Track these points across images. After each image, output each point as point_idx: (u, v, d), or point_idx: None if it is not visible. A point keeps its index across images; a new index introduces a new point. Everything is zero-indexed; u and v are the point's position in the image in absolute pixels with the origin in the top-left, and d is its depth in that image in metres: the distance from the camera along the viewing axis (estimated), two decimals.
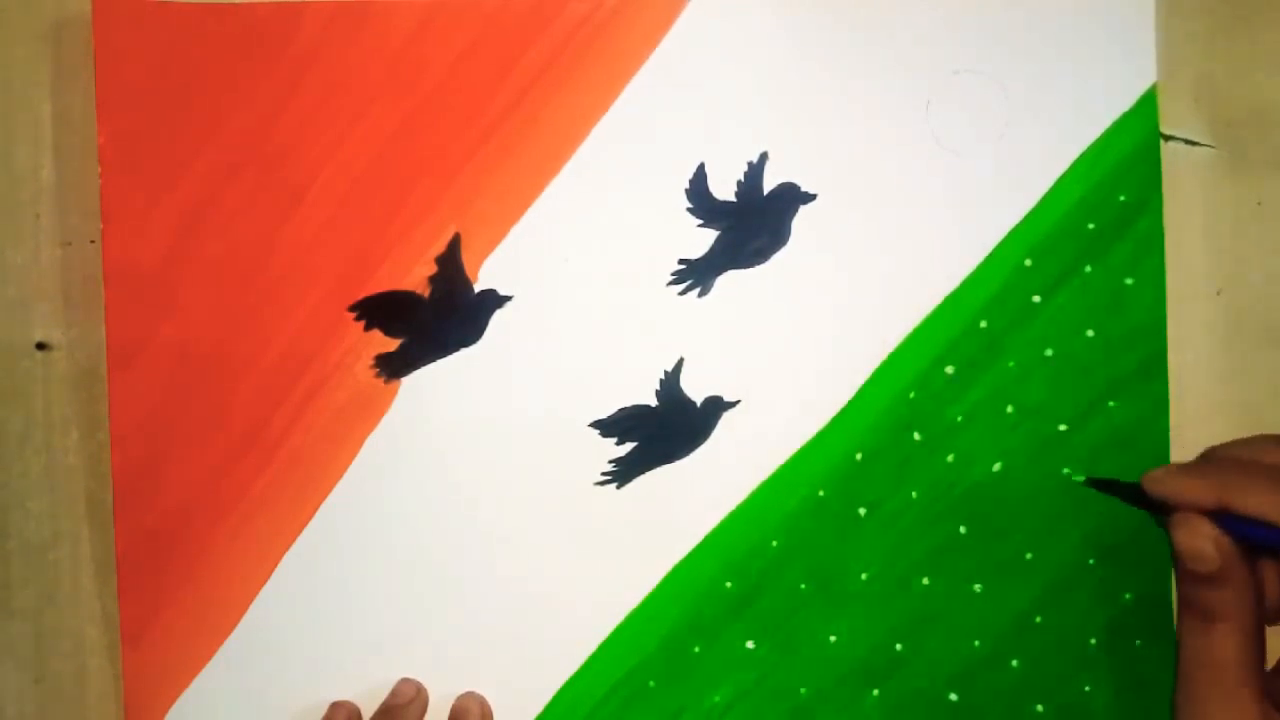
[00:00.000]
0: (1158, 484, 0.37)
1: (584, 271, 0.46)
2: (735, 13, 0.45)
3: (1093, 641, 0.45)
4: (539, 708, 0.46)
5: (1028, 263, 0.45)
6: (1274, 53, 0.46)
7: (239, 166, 0.45)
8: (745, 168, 0.46)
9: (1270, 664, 0.36)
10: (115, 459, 0.45)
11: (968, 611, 0.45)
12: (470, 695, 0.45)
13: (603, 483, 0.46)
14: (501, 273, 0.45)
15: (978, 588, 0.45)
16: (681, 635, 0.46)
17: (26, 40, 0.46)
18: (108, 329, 0.45)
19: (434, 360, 0.45)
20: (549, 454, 0.45)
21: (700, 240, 0.46)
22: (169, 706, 0.45)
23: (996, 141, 0.46)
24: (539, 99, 0.45)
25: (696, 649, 0.46)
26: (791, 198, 0.46)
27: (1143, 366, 0.45)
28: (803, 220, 0.46)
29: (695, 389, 0.46)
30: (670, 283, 0.46)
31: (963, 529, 0.45)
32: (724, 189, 0.46)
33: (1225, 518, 0.35)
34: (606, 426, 0.46)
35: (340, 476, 0.45)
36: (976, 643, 0.45)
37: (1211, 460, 0.38)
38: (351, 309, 0.45)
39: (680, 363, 0.46)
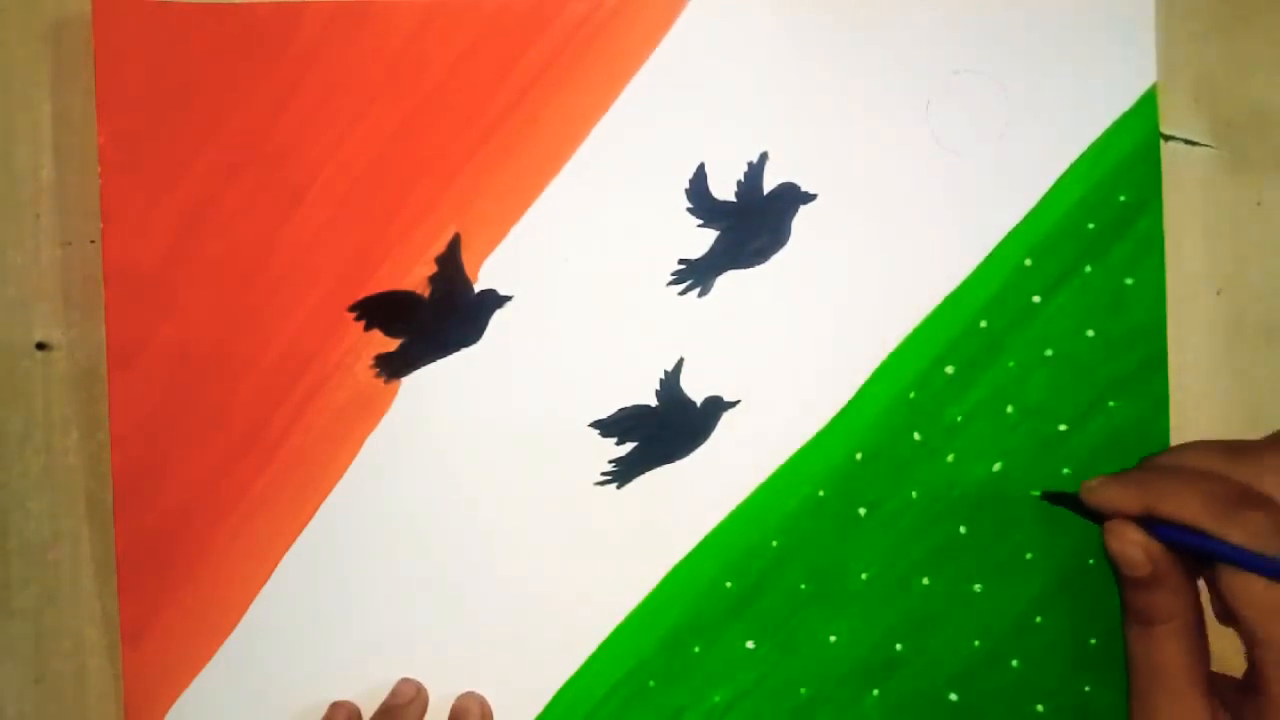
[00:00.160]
0: (1091, 493, 0.38)
1: (584, 271, 0.46)
2: (735, 13, 0.45)
3: (1093, 641, 0.45)
4: (539, 708, 0.46)
5: (1028, 263, 0.45)
6: (1274, 53, 0.46)
7: (239, 166, 0.45)
8: (745, 168, 0.46)
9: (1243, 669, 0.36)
10: (115, 459, 0.45)
11: (968, 611, 0.45)
12: (470, 695, 0.45)
13: (603, 483, 0.46)
14: (501, 273, 0.45)
15: (978, 588, 0.45)
16: (681, 635, 0.46)
17: (26, 40, 0.46)
18: (108, 329, 0.45)
19: (434, 360, 0.45)
20: (549, 454, 0.45)
21: (700, 240, 0.46)
22: (169, 706, 0.45)
23: (996, 141, 0.46)
24: (539, 99, 0.45)
25: (696, 649, 0.46)
26: (791, 198, 0.46)
27: (1143, 366, 0.45)
28: (803, 220, 0.46)
29: (695, 389, 0.46)
30: (670, 283, 0.46)
31: (963, 529, 0.45)
32: (724, 189, 0.46)
33: (1158, 524, 0.36)
34: (606, 426, 0.46)
35: (340, 476, 0.45)
36: (976, 643, 0.45)
37: (1144, 468, 0.38)
38: (351, 309, 0.45)
39: (680, 363, 0.46)
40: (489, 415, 0.45)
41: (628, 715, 0.46)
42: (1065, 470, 0.45)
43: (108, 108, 0.45)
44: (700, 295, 0.46)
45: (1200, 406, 0.46)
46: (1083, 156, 0.45)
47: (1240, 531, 0.34)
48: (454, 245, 0.45)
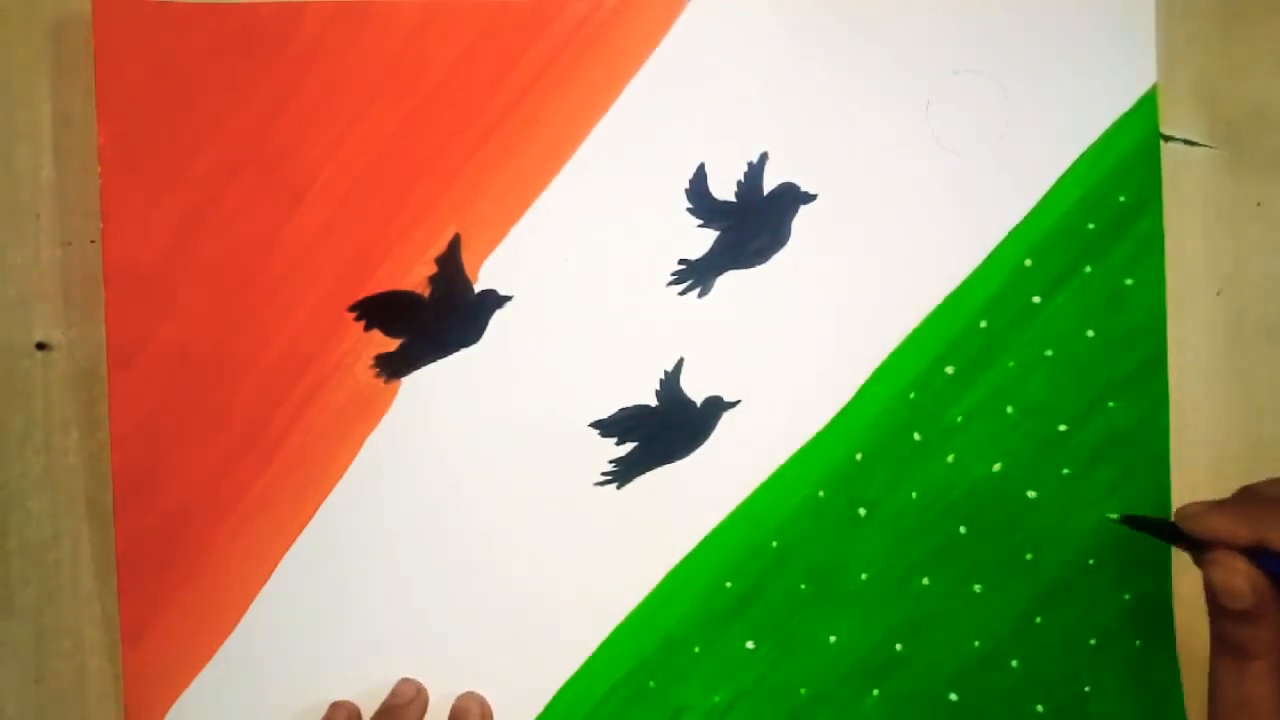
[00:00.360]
0: (1193, 521, 0.37)
1: (584, 271, 0.46)
2: (735, 13, 0.45)
3: (1093, 641, 0.45)
4: (539, 708, 0.46)
5: (1028, 263, 0.45)
6: (1274, 53, 0.46)
7: (239, 166, 0.45)
8: (745, 168, 0.46)
9: None
10: (115, 459, 0.45)
11: (968, 611, 0.45)
12: (470, 695, 0.45)
13: (603, 483, 0.46)
14: (501, 273, 0.45)
15: (978, 588, 0.45)
16: (681, 635, 0.46)
17: (26, 40, 0.46)
18: (108, 329, 0.45)
19: (434, 360, 0.45)
20: (549, 454, 0.45)
21: (700, 240, 0.46)
22: (169, 706, 0.45)
23: (996, 141, 0.46)
24: (539, 99, 0.45)
25: (696, 649, 0.46)
26: (791, 198, 0.46)
27: (1143, 366, 0.45)
28: (803, 220, 0.46)
29: (695, 389, 0.46)
30: (670, 283, 0.46)
31: (963, 529, 0.45)
32: (724, 189, 0.46)
33: (1260, 556, 0.35)
34: (606, 426, 0.46)
35: (340, 476, 0.45)
36: (976, 643, 0.45)
37: (1247, 497, 0.37)
38: (351, 309, 0.45)
39: (680, 363, 0.46)
40: (489, 415, 0.45)
41: (628, 715, 0.46)
42: (1065, 470, 0.45)
43: (108, 108, 0.45)
44: (700, 295, 0.46)
45: (1200, 406, 0.46)
46: (1083, 156, 0.45)
47: None
48: (454, 245, 0.45)
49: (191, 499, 0.45)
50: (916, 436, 0.46)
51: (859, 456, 0.46)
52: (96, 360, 0.45)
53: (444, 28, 0.45)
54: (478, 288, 0.45)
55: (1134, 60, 0.45)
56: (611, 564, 0.46)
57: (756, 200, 0.46)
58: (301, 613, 0.45)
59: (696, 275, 0.46)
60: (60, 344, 0.46)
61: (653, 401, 0.46)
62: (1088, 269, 0.45)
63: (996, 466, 0.45)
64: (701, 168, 0.45)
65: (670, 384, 0.46)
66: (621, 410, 0.46)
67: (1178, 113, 0.46)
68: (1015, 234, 0.45)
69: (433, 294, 0.45)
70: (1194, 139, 0.46)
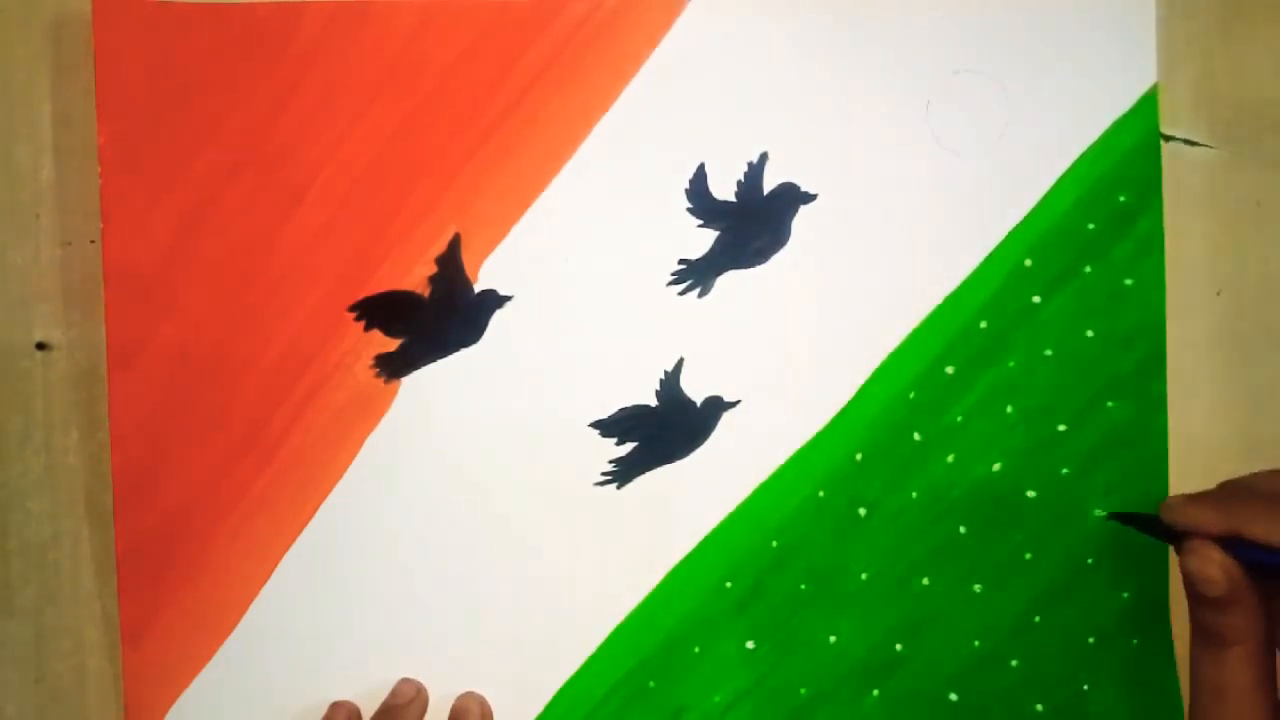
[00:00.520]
0: (1172, 512, 0.38)
1: (584, 271, 0.46)
2: (735, 13, 0.45)
3: (1091, 640, 0.45)
4: (539, 708, 0.46)
5: (1028, 263, 0.45)
6: (1274, 53, 0.46)
7: (239, 166, 0.45)
8: (745, 168, 0.46)
9: None
10: (115, 459, 0.45)
11: (968, 611, 0.45)
12: (470, 695, 0.45)
13: (603, 483, 0.46)
14: (501, 273, 0.45)
15: (978, 588, 0.45)
16: (681, 635, 0.46)
17: (26, 40, 0.46)
18: (108, 329, 0.45)
19: (434, 360, 0.45)
20: (549, 454, 0.45)
21: (700, 240, 0.46)
22: (169, 706, 0.45)
23: (996, 141, 0.46)
24: (539, 99, 0.45)
25: (696, 649, 0.46)
26: (791, 198, 0.46)
27: (1143, 366, 0.45)
28: (803, 220, 0.46)
29: (695, 389, 0.46)
30: (670, 283, 0.46)
31: (963, 529, 0.46)
32: (724, 189, 0.46)
33: (1236, 545, 0.36)
34: (606, 426, 0.46)
35: (340, 476, 0.45)
36: (976, 643, 0.45)
37: (1226, 489, 0.39)
38: (351, 309, 0.45)
39: (680, 363, 0.46)
40: (489, 415, 0.45)
41: (628, 715, 0.46)
42: (1065, 470, 0.45)
43: (108, 108, 0.45)
44: (700, 295, 0.46)
45: (1200, 406, 0.46)
46: (1083, 156, 0.45)
47: None
48: (454, 245, 0.45)
49: (191, 499, 0.45)
50: (916, 436, 0.46)
51: (859, 456, 0.46)
52: (96, 360, 0.45)
53: (444, 28, 0.45)
54: (478, 288, 0.45)
55: (1134, 60, 0.45)
56: (611, 564, 0.46)
57: (756, 200, 0.46)
58: (301, 613, 0.45)
59: (696, 275, 0.46)
60: (60, 344, 0.46)
61: (653, 401, 0.46)
62: (1088, 269, 0.45)
63: (996, 466, 0.45)
64: (701, 168, 0.45)
65: (670, 384, 0.46)
66: (621, 410, 0.46)
67: (1178, 113, 0.46)
68: (1015, 234, 0.45)
69: (433, 294, 0.45)
70: (1194, 139, 0.46)
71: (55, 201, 0.46)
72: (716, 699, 0.46)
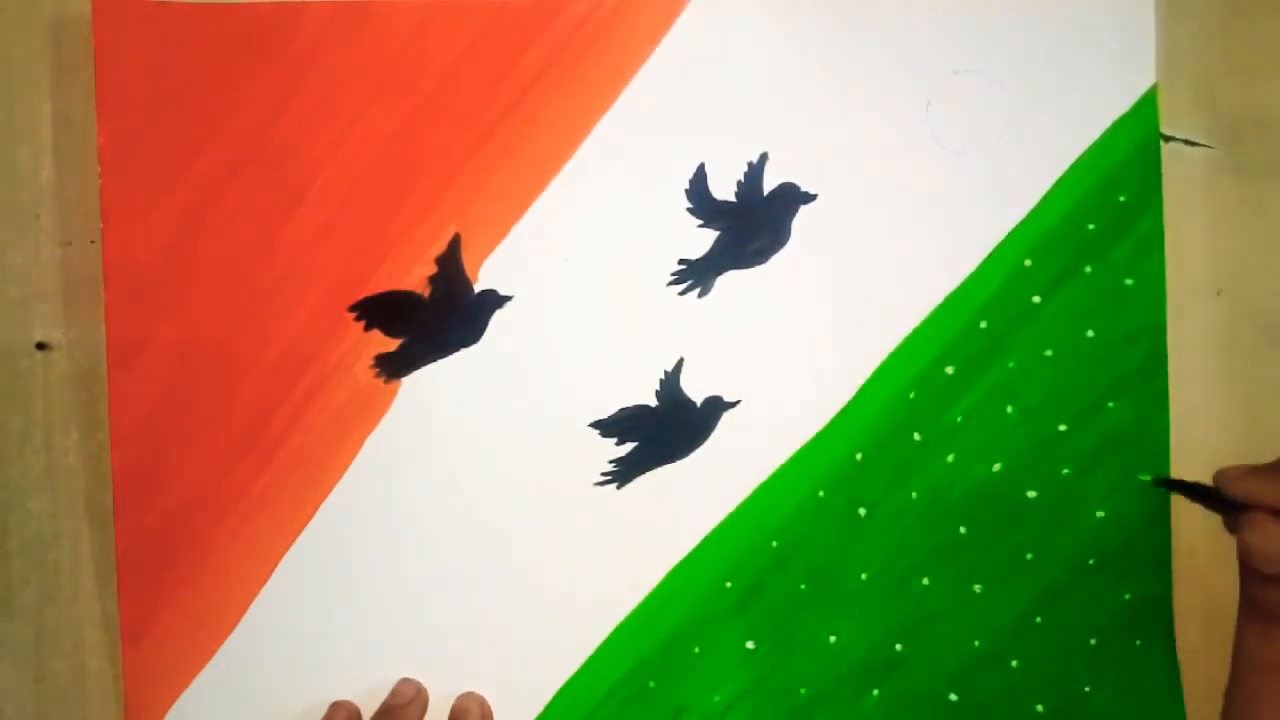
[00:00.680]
0: (1231, 482, 0.37)
1: (584, 271, 0.46)
2: (735, 13, 0.45)
3: (1093, 641, 0.45)
4: (539, 708, 0.46)
5: (1028, 263, 0.45)
6: (1274, 53, 0.46)
7: (239, 166, 0.45)
8: (745, 168, 0.46)
9: None
10: (115, 459, 0.45)
11: (968, 611, 0.45)
12: (470, 695, 0.45)
13: (603, 483, 0.46)
14: (501, 273, 0.45)
15: (978, 588, 0.45)
16: (681, 635, 0.46)
17: (26, 40, 0.46)
18: (108, 329, 0.45)
19: (434, 360, 0.45)
20: (549, 454, 0.45)
21: (700, 240, 0.46)
22: (169, 706, 0.45)
23: (996, 141, 0.46)
24: (539, 99, 0.45)
25: (696, 649, 0.46)
26: (791, 198, 0.46)
27: (1143, 366, 0.45)
28: (803, 220, 0.46)
29: (695, 389, 0.46)
30: (670, 283, 0.46)
31: (963, 529, 0.45)
32: (724, 189, 0.46)
33: None
34: (606, 426, 0.46)
35: (340, 476, 0.45)
36: (976, 643, 0.45)
37: None
38: (351, 309, 0.45)
39: (680, 363, 0.46)
40: (489, 415, 0.45)
41: (628, 715, 0.46)
42: (1065, 470, 0.45)
43: (108, 108, 0.45)
44: (700, 295, 0.46)
45: (1200, 406, 0.46)
46: (1083, 157, 0.45)
47: None
48: (454, 245, 0.45)
49: (191, 499, 0.45)
50: (916, 436, 0.46)
51: (859, 456, 0.46)
52: (96, 360, 0.45)
53: (444, 28, 0.45)
54: (478, 288, 0.45)
55: (1134, 60, 0.45)
56: (611, 564, 0.46)
57: (756, 200, 0.46)
58: (301, 613, 0.45)
59: (696, 275, 0.46)
60: (60, 344, 0.46)
61: (653, 401, 0.46)
62: (1088, 269, 0.45)
63: (996, 466, 0.45)
64: (701, 168, 0.45)
65: (670, 384, 0.46)
66: (621, 410, 0.46)
67: (1178, 113, 0.46)
68: (1015, 234, 0.45)
69: (433, 294, 0.45)
70: (1194, 139, 0.46)
71: (55, 201, 0.46)
72: (716, 699, 0.46)
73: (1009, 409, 0.45)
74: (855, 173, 0.46)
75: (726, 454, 0.46)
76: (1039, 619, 0.45)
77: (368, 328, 0.45)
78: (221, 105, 0.45)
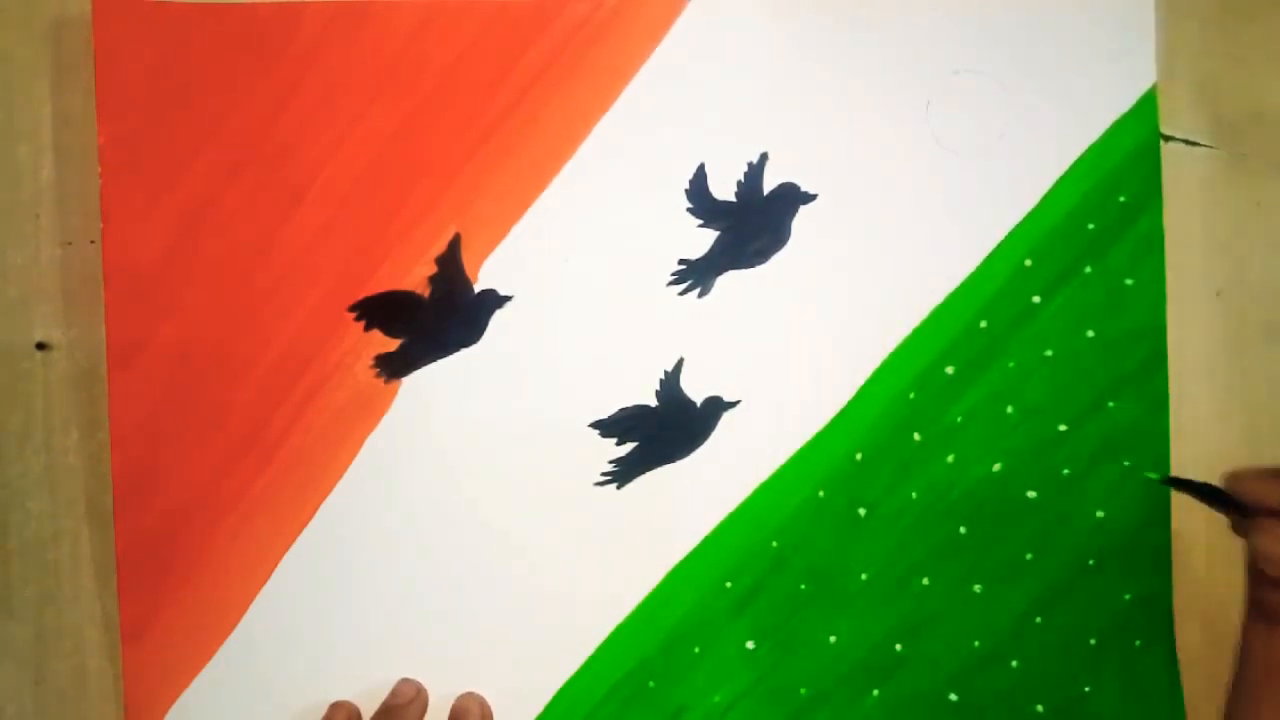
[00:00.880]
0: (1242, 485, 0.37)
1: (584, 271, 0.46)
2: (735, 13, 0.45)
3: (1093, 641, 0.45)
4: (539, 708, 0.46)
5: (1028, 263, 0.45)
6: (1274, 53, 0.46)
7: (239, 166, 0.45)
8: (745, 168, 0.46)
9: None
10: (115, 459, 0.45)
11: (968, 611, 0.45)
12: (470, 695, 0.45)
13: (603, 483, 0.46)
14: (501, 273, 0.45)
15: (978, 588, 0.45)
16: (681, 635, 0.46)
17: (26, 40, 0.46)
18: (108, 329, 0.45)
19: (434, 360, 0.45)
20: (549, 454, 0.45)
21: (700, 240, 0.46)
22: (169, 706, 0.45)
23: (996, 141, 0.46)
24: (539, 99, 0.45)
25: (696, 649, 0.46)
26: (791, 198, 0.46)
27: (1143, 366, 0.45)
28: (803, 220, 0.46)
29: (695, 389, 0.46)
30: (670, 283, 0.46)
31: (963, 529, 0.45)
32: (724, 189, 0.46)
33: None
34: (606, 426, 0.46)
35: (340, 476, 0.45)
36: (976, 643, 0.45)
37: None
38: (351, 309, 0.45)
39: (680, 363, 0.46)
40: (489, 415, 0.45)
41: (628, 715, 0.46)
42: (1065, 470, 0.45)
43: (108, 108, 0.45)
44: (700, 295, 0.46)
45: (1200, 406, 0.46)
46: (1083, 157, 0.45)
47: None
48: (454, 245, 0.45)
49: (191, 499, 0.45)
50: (916, 436, 0.46)
51: (859, 456, 0.46)
52: (96, 360, 0.45)
53: (444, 28, 0.45)
54: (478, 288, 0.45)
55: (1134, 60, 0.45)
56: (611, 564, 0.46)
57: (756, 200, 0.46)
58: (301, 613, 0.45)
59: (696, 275, 0.46)
60: (60, 344, 0.46)
61: (653, 401, 0.46)
62: (1088, 269, 0.45)
63: (996, 466, 0.45)
64: (701, 168, 0.45)
65: (670, 384, 0.46)
66: (621, 410, 0.46)
67: (1178, 113, 0.46)
68: (1015, 234, 0.45)
69: (433, 294, 0.45)
70: (1194, 139, 0.46)
71: (55, 201, 0.46)
72: (716, 699, 0.46)
73: (1009, 409, 0.45)
74: (855, 173, 0.46)
75: (726, 454, 0.46)
76: (1039, 619, 0.45)
77: (368, 328, 0.45)
78: (221, 105, 0.45)
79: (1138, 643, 0.45)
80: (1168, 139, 0.46)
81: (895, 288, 0.46)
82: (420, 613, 0.45)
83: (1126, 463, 0.45)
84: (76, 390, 0.46)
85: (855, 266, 0.46)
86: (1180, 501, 0.45)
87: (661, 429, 0.46)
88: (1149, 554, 0.45)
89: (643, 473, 0.46)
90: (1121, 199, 0.45)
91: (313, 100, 0.45)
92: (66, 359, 0.46)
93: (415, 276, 0.45)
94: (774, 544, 0.46)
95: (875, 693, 0.46)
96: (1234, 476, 0.37)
